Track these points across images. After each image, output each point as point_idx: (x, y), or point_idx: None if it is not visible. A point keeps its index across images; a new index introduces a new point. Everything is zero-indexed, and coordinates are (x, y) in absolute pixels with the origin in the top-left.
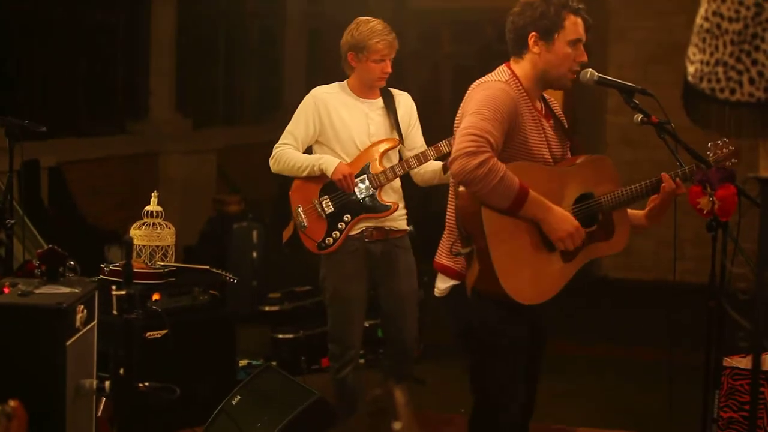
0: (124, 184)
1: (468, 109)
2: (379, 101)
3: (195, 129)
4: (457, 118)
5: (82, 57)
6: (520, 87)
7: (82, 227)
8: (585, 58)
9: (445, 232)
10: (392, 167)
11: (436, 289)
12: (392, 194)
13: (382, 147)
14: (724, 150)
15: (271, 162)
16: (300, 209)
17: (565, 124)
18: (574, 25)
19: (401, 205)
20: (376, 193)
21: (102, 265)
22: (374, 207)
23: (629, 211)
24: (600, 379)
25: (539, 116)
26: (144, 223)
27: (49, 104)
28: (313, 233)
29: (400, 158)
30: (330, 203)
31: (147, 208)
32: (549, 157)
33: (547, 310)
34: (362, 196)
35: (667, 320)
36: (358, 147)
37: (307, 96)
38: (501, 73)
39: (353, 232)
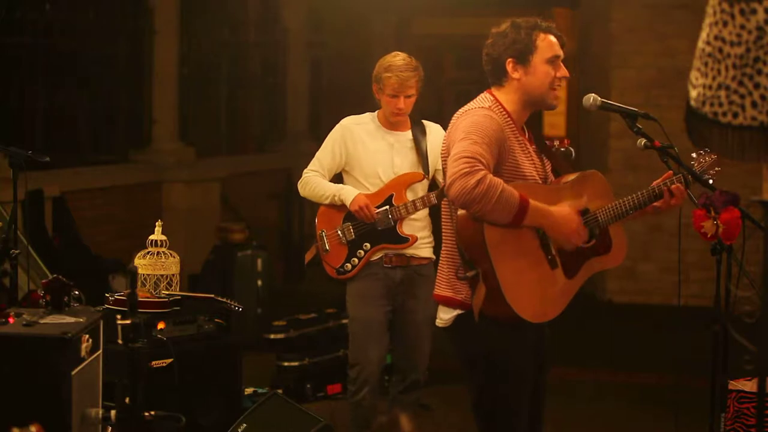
0: (128, 213)
1: (455, 137)
2: (408, 134)
3: (198, 158)
4: (442, 150)
5: (86, 87)
6: (504, 112)
7: (87, 257)
8: (566, 73)
9: (441, 263)
10: (413, 201)
11: (438, 320)
12: (415, 225)
13: (406, 179)
14: (707, 159)
15: (299, 186)
16: (324, 233)
17: (557, 144)
18: (548, 44)
19: (425, 233)
20: (397, 225)
21: (107, 295)
22: (393, 238)
23: None
24: (605, 403)
25: (524, 141)
26: (148, 252)
27: (52, 134)
28: (333, 258)
29: (430, 190)
30: (351, 231)
31: (151, 237)
32: (538, 179)
33: (550, 335)
34: (383, 226)
35: (672, 344)
36: (382, 178)
37: (337, 125)
38: (483, 100)
39: (373, 258)
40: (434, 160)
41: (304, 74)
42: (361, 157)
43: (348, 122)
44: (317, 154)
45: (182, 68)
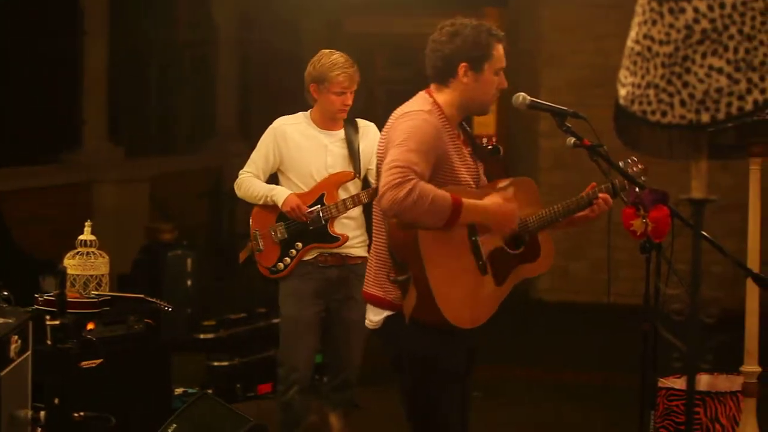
0: (58, 213)
1: (393, 140)
2: (341, 133)
3: (128, 158)
4: (380, 147)
5: (15, 88)
6: (442, 115)
7: (17, 257)
8: (505, 84)
9: (370, 261)
10: (344, 200)
11: (368, 321)
12: (349, 224)
13: (337, 179)
14: (635, 168)
15: (234, 187)
16: (257, 233)
17: (485, 142)
18: (500, 54)
19: (359, 232)
20: (328, 224)
21: (36, 295)
22: (324, 237)
23: None
24: (535, 402)
25: (460, 145)
26: (78, 253)
27: None
28: (266, 258)
29: (364, 188)
30: (284, 230)
31: (80, 237)
32: (472, 183)
33: (480, 334)
34: (315, 226)
35: (602, 342)
36: (315, 178)
37: (269, 127)
38: (423, 102)
39: (308, 257)
40: (366, 158)
41: (234, 73)
42: (294, 158)
43: (280, 123)
44: (252, 155)
45: (112, 68)
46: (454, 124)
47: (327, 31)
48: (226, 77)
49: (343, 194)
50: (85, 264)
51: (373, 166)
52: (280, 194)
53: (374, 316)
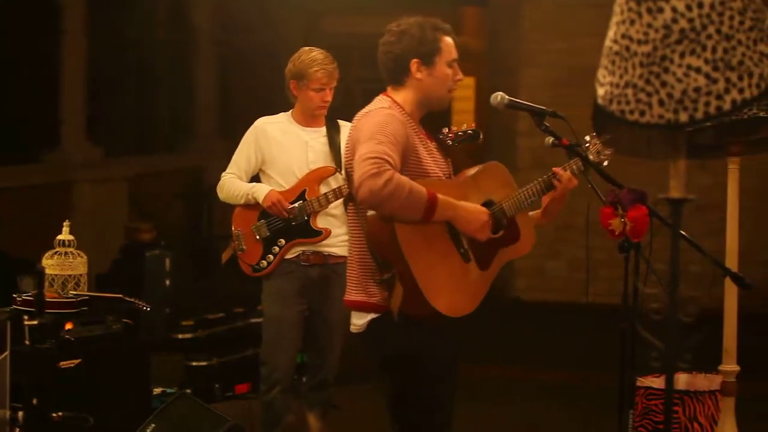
0: (36, 213)
1: (359, 138)
2: (322, 130)
3: (106, 158)
4: (346, 151)
5: None
6: (403, 112)
7: None
8: (462, 77)
9: (351, 267)
10: (325, 194)
11: (352, 326)
12: (332, 221)
13: (319, 174)
14: (596, 142)
15: (217, 190)
16: (239, 233)
17: (464, 128)
18: (449, 46)
19: (343, 230)
20: (311, 219)
21: (14, 295)
22: (307, 232)
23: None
24: (514, 401)
25: (425, 138)
26: (56, 253)
27: None
28: (249, 256)
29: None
30: (265, 228)
31: (59, 237)
32: (442, 177)
33: (462, 332)
34: (297, 221)
35: (580, 341)
36: (297, 175)
37: (251, 127)
38: (382, 101)
39: (290, 256)
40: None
41: (213, 73)
42: (275, 156)
43: (261, 122)
44: (234, 156)
45: (90, 68)
46: (416, 120)
47: (305, 31)
48: (204, 77)
49: (324, 189)
50: (64, 264)
51: None
52: (260, 190)
53: (358, 320)
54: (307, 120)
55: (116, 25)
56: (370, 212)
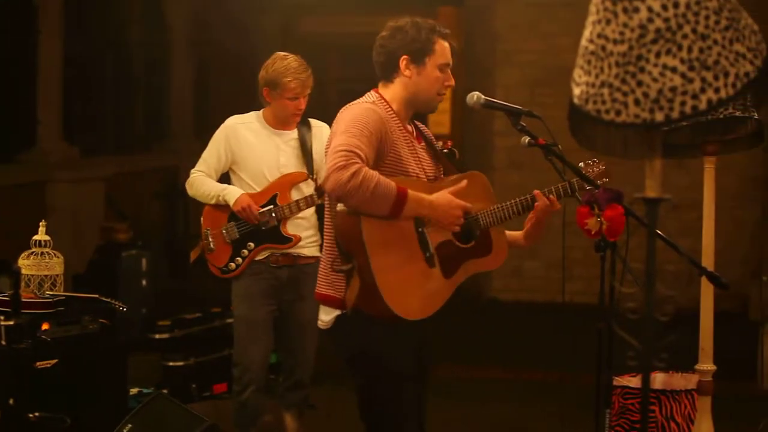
0: (12, 213)
1: (336, 130)
2: (294, 133)
3: (83, 157)
4: (327, 145)
5: None
6: (389, 109)
7: None
8: (452, 82)
9: (323, 261)
10: (297, 201)
11: (320, 322)
12: (301, 223)
13: (290, 179)
14: (596, 169)
15: (186, 186)
16: (208, 232)
17: (438, 144)
18: (443, 49)
19: (311, 232)
20: (281, 225)
21: None
22: (277, 238)
23: (508, 232)
24: (491, 401)
25: (411, 138)
26: (32, 253)
27: None
28: (217, 258)
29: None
30: (235, 230)
31: (35, 237)
32: (424, 177)
33: (432, 333)
34: (267, 226)
35: (557, 341)
36: (267, 177)
37: (221, 125)
38: (368, 96)
39: (259, 257)
40: (320, 159)
41: (189, 73)
42: (246, 157)
43: (232, 122)
44: (203, 154)
45: (66, 68)
46: (403, 118)
47: (281, 31)
48: (180, 77)
49: (296, 195)
50: (40, 264)
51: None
52: (232, 194)
53: (325, 316)
54: (278, 123)
55: (92, 25)
56: (340, 205)
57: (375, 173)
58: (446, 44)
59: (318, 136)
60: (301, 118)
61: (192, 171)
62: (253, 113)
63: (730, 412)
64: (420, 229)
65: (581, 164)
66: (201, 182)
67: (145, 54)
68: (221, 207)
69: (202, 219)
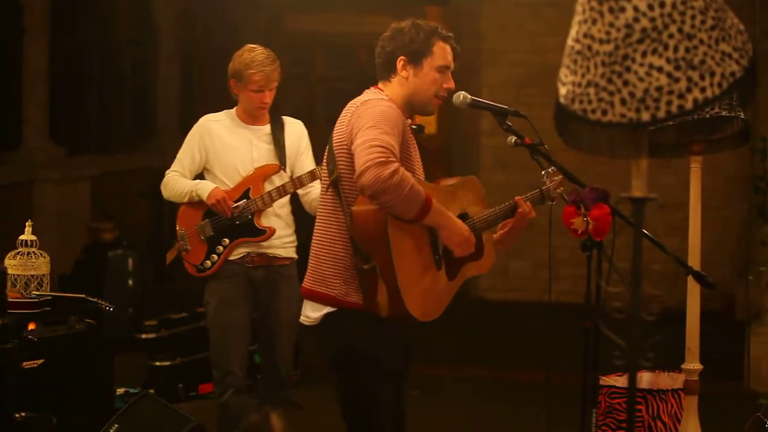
0: None
1: (361, 124)
2: (266, 128)
3: (69, 157)
4: (341, 139)
5: None
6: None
7: None
8: (452, 85)
9: (319, 258)
10: (269, 192)
11: (305, 318)
12: (274, 220)
13: (263, 172)
14: (555, 178)
15: (161, 188)
16: (183, 232)
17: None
18: (443, 52)
19: (288, 232)
20: (254, 218)
21: None
22: (251, 231)
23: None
24: (478, 400)
25: (413, 137)
26: (18, 253)
27: None
28: (193, 257)
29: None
30: (210, 227)
31: (21, 237)
32: (422, 176)
33: (413, 331)
34: (241, 220)
35: (543, 341)
36: (241, 173)
37: (195, 125)
38: (376, 93)
39: (234, 257)
40: (292, 153)
41: (175, 72)
42: (220, 154)
43: (205, 120)
44: (178, 155)
45: (52, 66)
46: (405, 117)
47: (267, 30)
48: (167, 76)
49: (268, 187)
50: (26, 264)
51: (300, 161)
52: (204, 188)
53: (312, 313)
54: (250, 118)
55: (79, 24)
56: (362, 204)
57: (410, 174)
58: (447, 47)
59: (291, 132)
60: (274, 115)
61: (167, 172)
62: (226, 111)
63: (717, 412)
64: (432, 231)
65: (543, 172)
66: (174, 182)
67: (132, 53)
68: (195, 206)
69: (177, 219)
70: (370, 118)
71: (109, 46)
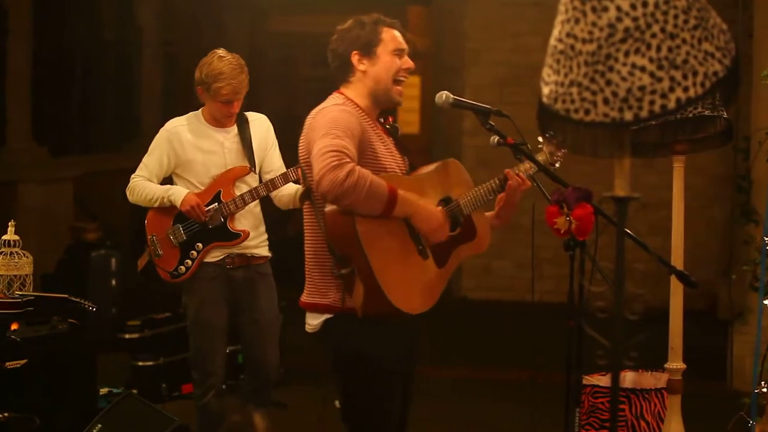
0: None
1: (315, 136)
2: (234, 129)
3: (52, 157)
4: (301, 151)
5: None
6: (358, 107)
7: None
8: (411, 64)
9: (310, 268)
10: (242, 195)
11: (307, 326)
12: (247, 221)
13: (233, 174)
14: (552, 143)
15: (127, 192)
16: (154, 238)
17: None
18: (392, 36)
19: (260, 230)
20: (227, 221)
21: None
22: (225, 235)
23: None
24: (462, 400)
25: (382, 133)
26: (1, 253)
27: None
28: (166, 262)
29: (260, 182)
30: (182, 232)
31: (4, 237)
32: (399, 171)
33: (415, 330)
34: (214, 224)
35: (527, 340)
36: (214, 177)
37: (161, 129)
38: (335, 98)
39: (213, 259)
40: (260, 151)
41: (158, 73)
42: (190, 159)
43: (173, 125)
44: (144, 159)
45: (36, 68)
46: (372, 116)
47: (251, 30)
48: (150, 77)
49: (239, 189)
50: (9, 264)
51: (270, 155)
52: (177, 194)
53: (313, 320)
54: (217, 122)
55: (62, 25)
56: (329, 207)
57: (367, 172)
58: (394, 31)
59: (256, 129)
60: (239, 114)
61: (132, 176)
62: (191, 114)
63: (700, 411)
64: (410, 223)
65: (540, 138)
66: (143, 186)
67: (115, 54)
68: (164, 211)
69: (146, 225)
70: (322, 127)
71: (92, 47)
